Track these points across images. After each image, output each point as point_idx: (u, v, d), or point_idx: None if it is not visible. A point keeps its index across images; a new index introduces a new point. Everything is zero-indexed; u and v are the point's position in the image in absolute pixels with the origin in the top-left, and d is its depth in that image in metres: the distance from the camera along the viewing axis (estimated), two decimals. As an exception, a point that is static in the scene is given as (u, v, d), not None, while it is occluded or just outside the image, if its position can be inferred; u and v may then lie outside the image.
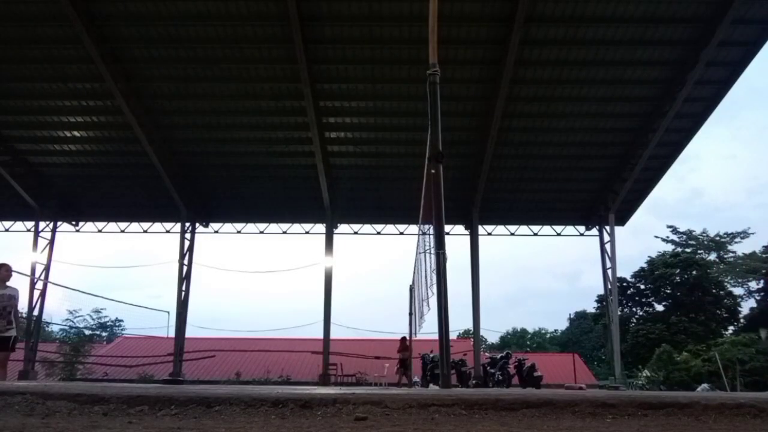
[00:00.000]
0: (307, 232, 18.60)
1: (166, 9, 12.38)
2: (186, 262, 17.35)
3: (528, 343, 40.98)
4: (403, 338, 14.75)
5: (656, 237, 32.22)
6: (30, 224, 17.90)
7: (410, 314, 14.18)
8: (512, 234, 18.55)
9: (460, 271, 16.60)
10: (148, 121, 14.95)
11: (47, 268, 17.52)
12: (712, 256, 31.47)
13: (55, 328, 29.55)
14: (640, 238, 70.20)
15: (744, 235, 30.91)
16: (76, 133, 15.81)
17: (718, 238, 31.36)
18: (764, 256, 28.76)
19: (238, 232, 18.80)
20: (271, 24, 12.69)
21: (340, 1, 12.28)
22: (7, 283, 6.99)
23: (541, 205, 17.89)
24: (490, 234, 18.40)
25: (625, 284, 28.40)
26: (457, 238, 17.67)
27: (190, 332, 17.88)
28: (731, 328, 26.67)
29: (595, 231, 17.83)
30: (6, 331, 6.77)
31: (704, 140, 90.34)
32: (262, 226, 18.75)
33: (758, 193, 72.01)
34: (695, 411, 1.31)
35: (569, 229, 18.50)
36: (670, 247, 31.00)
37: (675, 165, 16.50)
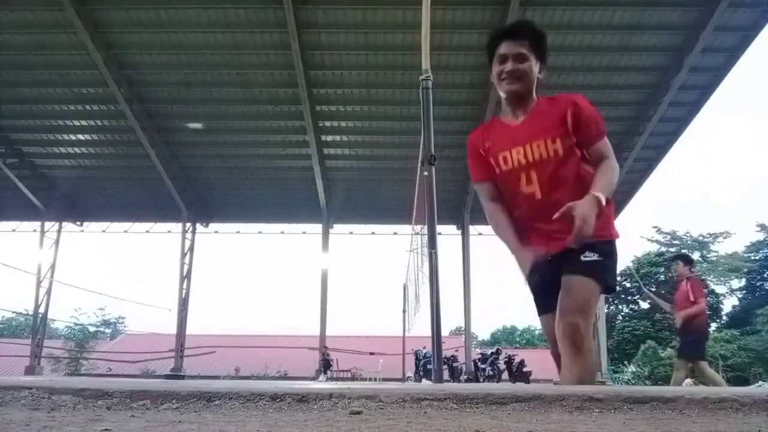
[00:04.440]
0: (303, 232, 19.00)
1: (168, 17, 12.75)
2: (187, 261, 17.75)
3: (518, 339, 41.29)
4: None
5: (641, 237, 32.62)
6: (36, 224, 18.30)
7: (404, 311, 14.61)
8: (503, 234, 18.85)
9: (452, 270, 17.04)
10: (150, 125, 15.30)
11: (53, 267, 17.93)
12: (696, 256, 31.94)
13: (60, 326, 29.84)
14: (627, 238, 70.66)
15: (726, 235, 31.44)
16: (80, 137, 16.17)
17: (701, 238, 31.86)
18: (746, 255, 29.25)
19: (237, 232, 19.21)
20: (269, 31, 13.04)
21: (336, 10, 12.65)
22: None
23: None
24: (480, 234, 18.79)
25: (611, 282, 28.76)
26: (449, 238, 18.07)
27: (190, 329, 18.26)
28: (714, 325, 27.15)
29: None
30: None
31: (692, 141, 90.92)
32: (260, 226, 19.16)
33: (749, 193, 72.53)
34: (679, 405, 1.33)
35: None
36: (655, 247, 31.47)
37: (662, 165, 16.95)
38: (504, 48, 2.34)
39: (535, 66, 2.33)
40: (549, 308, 2.35)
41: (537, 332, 40.83)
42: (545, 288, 2.37)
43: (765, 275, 28.71)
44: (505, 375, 14.84)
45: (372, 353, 19.09)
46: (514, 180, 2.35)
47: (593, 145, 2.30)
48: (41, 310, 17.64)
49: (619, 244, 2.41)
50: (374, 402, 1.30)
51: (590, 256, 2.23)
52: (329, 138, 16.03)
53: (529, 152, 2.31)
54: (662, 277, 27.88)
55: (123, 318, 33.03)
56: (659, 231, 32.38)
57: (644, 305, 28.46)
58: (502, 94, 2.41)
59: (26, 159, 16.94)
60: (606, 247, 2.31)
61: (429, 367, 14.01)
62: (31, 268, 17.64)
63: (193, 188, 17.82)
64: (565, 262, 2.27)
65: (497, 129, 2.45)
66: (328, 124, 15.56)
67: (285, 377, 20.18)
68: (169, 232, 18.90)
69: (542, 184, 2.29)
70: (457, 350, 16.27)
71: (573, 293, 2.22)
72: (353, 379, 17.57)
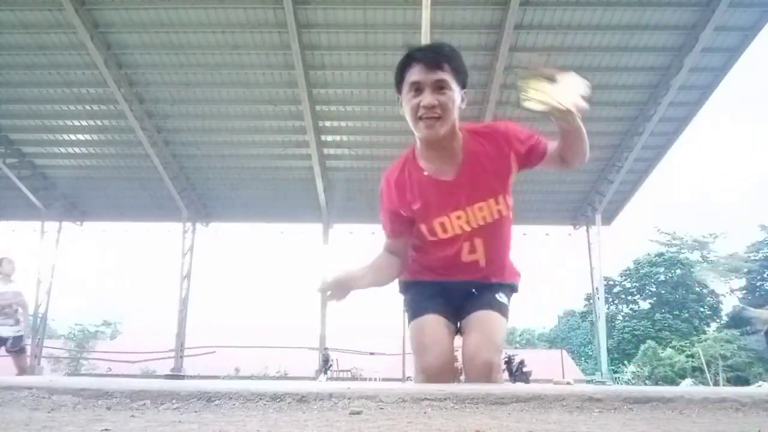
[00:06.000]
0: (303, 232, 19.03)
1: (168, 17, 12.77)
2: (187, 261, 17.77)
3: (518, 339, 41.26)
4: None
5: (642, 237, 32.80)
6: (36, 224, 18.30)
7: (404, 312, 14.63)
8: (503, 234, 18.87)
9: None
10: (150, 125, 15.33)
11: (53, 268, 17.95)
12: (696, 256, 32.01)
13: (60, 325, 29.88)
14: (627, 238, 70.86)
15: (726, 235, 31.52)
16: (80, 137, 16.20)
17: (702, 238, 31.91)
18: (746, 255, 29.29)
19: (237, 232, 19.24)
20: (269, 31, 13.06)
21: (336, 10, 12.68)
22: (12, 278, 6.86)
23: (530, 206, 18.23)
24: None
25: (611, 283, 28.93)
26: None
27: (190, 329, 18.26)
28: (714, 325, 27.22)
29: (582, 231, 18.31)
30: (10, 330, 6.73)
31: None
32: (260, 226, 19.19)
33: (749, 193, 72.68)
34: (679, 405, 1.31)
35: (557, 229, 18.95)
36: (655, 247, 31.52)
37: (662, 165, 17.03)
38: (417, 74, 1.91)
39: (457, 96, 1.93)
40: (437, 310, 2.16)
41: (537, 332, 40.85)
42: (439, 295, 2.18)
43: (765, 275, 28.76)
44: (505, 375, 14.84)
45: (372, 353, 19.11)
46: (453, 248, 2.06)
47: (547, 155, 2.05)
48: (41, 310, 17.65)
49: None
50: (374, 402, 1.29)
51: (503, 299, 2.15)
52: (329, 138, 16.05)
53: (473, 217, 2.01)
54: (662, 277, 27.94)
55: (124, 317, 33.18)
56: (659, 231, 32.46)
57: (644, 305, 28.53)
58: (418, 135, 1.99)
59: (26, 159, 16.96)
60: (512, 293, 2.25)
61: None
62: (31, 269, 17.65)
63: (193, 188, 17.84)
64: (476, 296, 2.15)
65: (423, 182, 2.02)
66: (328, 124, 15.58)
67: (285, 377, 20.20)
68: (169, 232, 18.92)
69: (487, 252, 2.07)
70: (457, 350, 16.26)
71: (490, 329, 2.07)
72: (353, 379, 17.59)
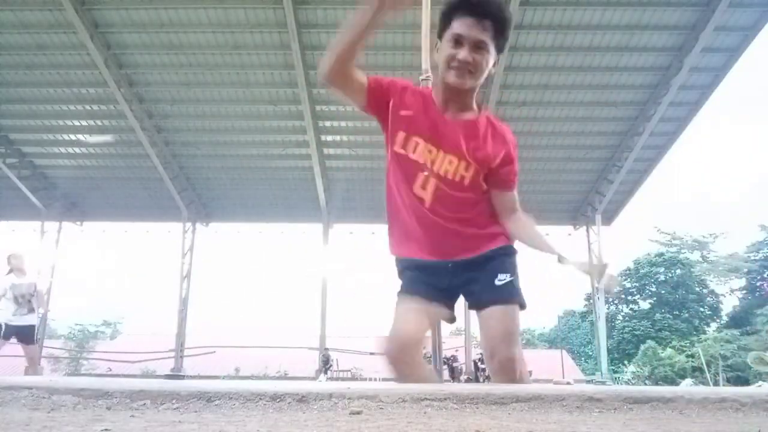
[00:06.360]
0: (303, 232, 19.05)
1: (168, 17, 12.78)
2: (187, 261, 17.78)
3: (518, 339, 41.27)
4: None
5: (642, 237, 32.84)
6: (36, 224, 18.30)
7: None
8: (502, 234, 18.87)
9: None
10: (150, 125, 15.33)
11: (53, 268, 17.95)
12: (696, 256, 32.03)
13: (60, 325, 29.91)
14: (627, 238, 70.83)
15: (726, 235, 31.55)
16: (80, 137, 16.20)
17: (702, 238, 31.93)
18: (746, 255, 29.32)
19: (238, 232, 19.25)
20: (269, 31, 13.08)
21: (336, 9, 12.67)
22: (25, 271, 7.40)
23: (530, 206, 18.13)
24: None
25: (611, 283, 28.88)
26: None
27: (190, 329, 18.26)
28: (714, 325, 27.23)
29: (582, 231, 18.30)
30: (25, 319, 7.09)
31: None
32: (260, 226, 19.20)
33: (749, 193, 72.67)
34: (679, 405, 1.31)
35: (557, 229, 18.91)
36: (655, 247, 31.57)
37: (662, 165, 17.03)
38: (462, 27, 1.97)
39: (492, 60, 2.03)
40: (414, 292, 2.15)
41: (537, 332, 40.82)
42: (421, 281, 2.16)
43: (765, 275, 28.82)
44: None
45: (372, 353, 19.08)
46: (410, 172, 2.10)
47: (508, 192, 2.16)
48: (41, 310, 17.62)
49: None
50: (374, 402, 1.28)
51: (504, 278, 2.09)
52: (329, 138, 16.06)
53: (439, 161, 2.07)
54: (662, 277, 27.95)
55: (124, 317, 33.21)
56: (659, 231, 32.48)
57: (644, 305, 28.55)
58: (443, 81, 2.09)
59: (26, 159, 16.96)
60: (512, 259, 2.19)
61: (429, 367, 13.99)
62: (31, 269, 17.63)
63: (193, 188, 17.85)
64: (475, 288, 2.12)
65: (427, 106, 2.12)
66: (328, 124, 15.58)
67: (285, 377, 20.19)
68: (169, 232, 18.93)
69: (435, 196, 2.08)
70: (457, 350, 16.23)
71: (500, 326, 2.06)
72: (353, 379, 17.58)
